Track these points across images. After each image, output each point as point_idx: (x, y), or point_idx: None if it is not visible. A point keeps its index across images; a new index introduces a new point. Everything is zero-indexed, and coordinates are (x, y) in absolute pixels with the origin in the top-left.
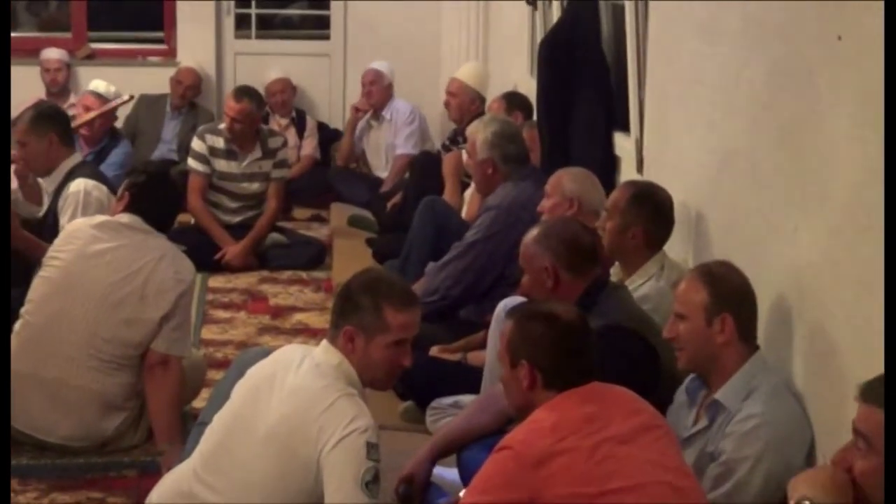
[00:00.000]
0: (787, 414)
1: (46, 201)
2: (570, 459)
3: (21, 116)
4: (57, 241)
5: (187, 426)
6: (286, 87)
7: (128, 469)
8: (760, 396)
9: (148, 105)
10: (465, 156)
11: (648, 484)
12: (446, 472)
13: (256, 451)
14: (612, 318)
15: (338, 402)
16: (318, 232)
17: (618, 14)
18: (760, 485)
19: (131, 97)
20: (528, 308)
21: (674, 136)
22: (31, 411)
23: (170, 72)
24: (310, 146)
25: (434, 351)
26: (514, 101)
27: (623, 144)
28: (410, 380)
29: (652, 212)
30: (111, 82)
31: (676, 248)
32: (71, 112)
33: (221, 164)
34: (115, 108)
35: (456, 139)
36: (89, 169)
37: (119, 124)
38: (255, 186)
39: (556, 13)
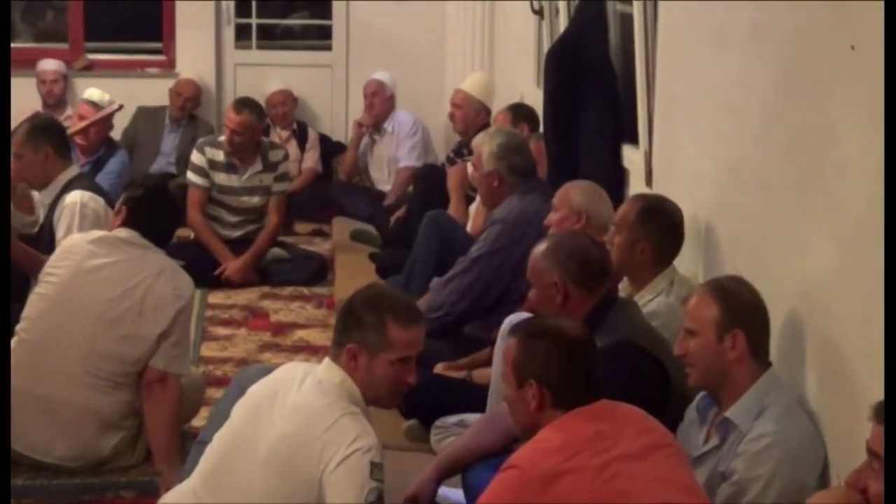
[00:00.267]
0: (800, 432)
1: (42, 214)
2: (578, 479)
3: (17, 129)
4: (53, 257)
5: (186, 445)
6: (287, 99)
7: (125, 490)
8: (772, 414)
9: (146, 117)
10: (470, 168)
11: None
12: (451, 493)
13: (257, 471)
14: (621, 334)
15: (340, 420)
16: (320, 247)
17: (626, 23)
18: None
19: (121, 106)
20: (531, 325)
21: (683, 148)
22: (27, 430)
23: (169, 83)
24: (311, 159)
25: (438, 368)
26: (520, 112)
27: (631, 157)
28: (414, 398)
29: (661, 226)
30: (109, 93)
31: (686, 262)
32: (67, 123)
33: (221, 178)
34: (108, 116)
35: (461, 151)
36: (86, 181)
37: (117, 136)
38: (255, 200)
39: (563, 22)
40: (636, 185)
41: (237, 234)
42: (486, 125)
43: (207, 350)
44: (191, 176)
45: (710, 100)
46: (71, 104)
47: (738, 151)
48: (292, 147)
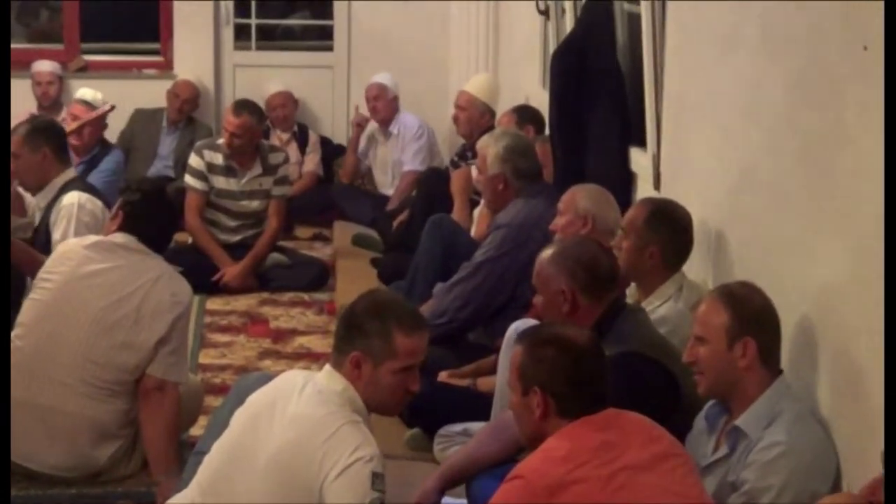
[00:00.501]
0: (812, 442)
1: (38, 216)
2: (585, 489)
3: (16, 129)
4: (48, 263)
5: (184, 455)
6: (287, 101)
7: (122, 500)
8: (784, 423)
9: (143, 119)
10: (474, 172)
11: None
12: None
13: (257, 481)
14: (629, 343)
15: (342, 429)
16: (321, 252)
17: (633, 23)
18: None
19: (112, 106)
20: (538, 333)
21: (692, 151)
22: (21, 439)
23: (166, 85)
24: (312, 162)
25: (442, 376)
26: (525, 114)
27: (639, 160)
28: (417, 406)
29: (670, 231)
30: (105, 95)
31: (695, 268)
32: (62, 125)
33: (220, 181)
34: (102, 116)
35: (465, 154)
36: (83, 184)
37: (113, 139)
38: (255, 204)
39: (569, 22)
40: (644, 189)
41: (236, 238)
42: (490, 127)
43: (206, 357)
44: (189, 180)
45: (720, 101)
46: (66, 106)
47: (748, 154)
48: (293, 150)
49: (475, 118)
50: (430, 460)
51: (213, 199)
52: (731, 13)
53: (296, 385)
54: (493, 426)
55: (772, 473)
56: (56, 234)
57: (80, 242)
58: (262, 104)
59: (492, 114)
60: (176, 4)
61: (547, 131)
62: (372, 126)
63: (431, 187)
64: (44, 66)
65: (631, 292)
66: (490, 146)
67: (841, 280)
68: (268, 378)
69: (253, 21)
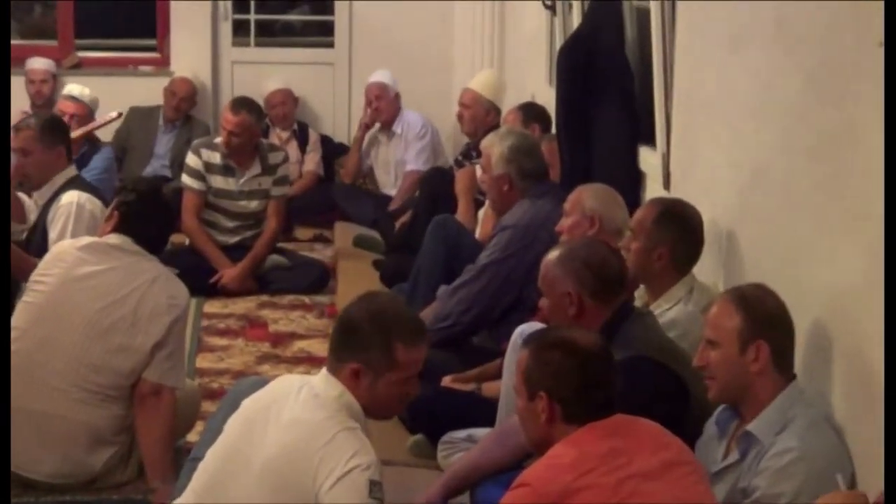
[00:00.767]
0: (826, 448)
1: (36, 213)
2: (592, 497)
3: (19, 125)
4: (41, 265)
5: (180, 461)
6: (287, 99)
7: None
8: (797, 429)
9: (139, 118)
10: (479, 171)
11: None
12: None
13: (252, 486)
14: (637, 348)
15: (338, 436)
16: (322, 253)
17: (642, 19)
18: None
19: (120, 114)
20: (545, 336)
21: (703, 150)
22: (15, 446)
23: (163, 82)
24: (312, 161)
25: (446, 381)
26: (531, 112)
27: (648, 159)
28: (420, 412)
29: (680, 231)
30: (100, 93)
31: (706, 269)
32: None
33: (218, 181)
34: (107, 123)
35: (469, 154)
36: (83, 183)
37: (109, 138)
38: (253, 205)
39: (576, 18)
40: (653, 189)
41: (234, 239)
42: (495, 126)
43: (203, 361)
44: (186, 179)
45: (731, 99)
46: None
47: (760, 153)
48: (292, 149)
49: (480, 116)
50: (433, 467)
51: (210, 200)
52: (743, 8)
53: (292, 389)
54: (498, 432)
55: (784, 480)
56: (53, 234)
57: (73, 244)
58: (261, 102)
59: (497, 112)
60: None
61: (553, 129)
62: (375, 126)
63: (435, 187)
64: (37, 64)
65: (640, 295)
66: (494, 146)
67: (856, 282)
68: (263, 383)
69: (252, 17)
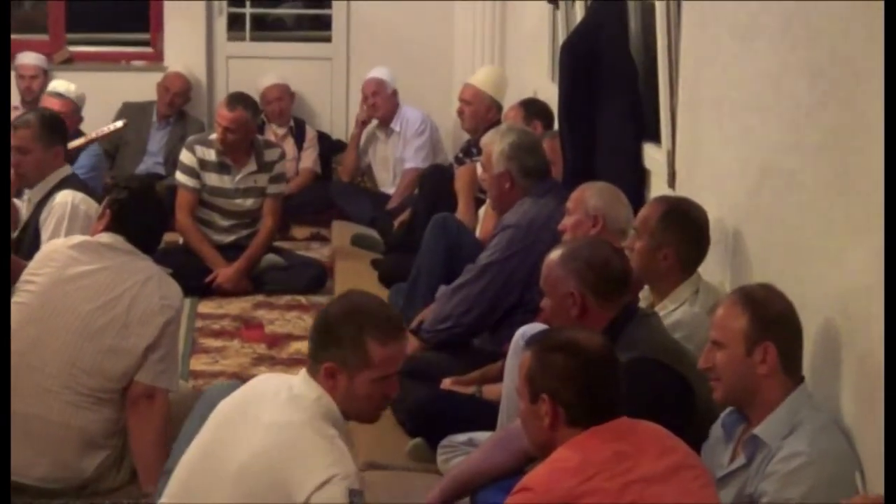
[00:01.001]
0: (835, 452)
1: (29, 211)
2: (596, 502)
3: (16, 122)
4: (32, 264)
5: None
6: (283, 94)
7: None
8: (805, 433)
9: (132, 114)
10: (479, 169)
11: None
12: None
13: (227, 490)
14: (641, 349)
15: (316, 442)
16: (319, 252)
17: (647, 13)
18: None
19: (126, 123)
20: (548, 337)
21: (708, 148)
22: None
23: (156, 77)
24: (309, 158)
25: (446, 383)
26: (533, 108)
27: (653, 156)
28: (420, 415)
29: (685, 230)
30: (92, 89)
31: (712, 269)
32: None
33: (213, 179)
34: (111, 133)
35: (470, 151)
36: (78, 182)
37: None
38: (249, 203)
39: (579, 12)
40: (658, 187)
41: (230, 238)
42: (496, 122)
43: (197, 363)
44: (180, 177)
45: (738, 96)
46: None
47: (768, 151)
48: (289, 146)
49: (481, 113)
50: (433, 472)
51: (205, 198)
52: (751, 3)
53: (268, 390)
54: (499, 436)
55: (792, 485)
56: (46, 234)
57: (65, 242)
58: (256, 97)
59: (498, 108)
60: None
61: (556, 126)
62: (373, 122)
63: (434, 185)
64: (28, 59)
65: (644, 295)
66: (495, 143)
67: (866, 282)
68: (234, 387)
69: (247, 10)
